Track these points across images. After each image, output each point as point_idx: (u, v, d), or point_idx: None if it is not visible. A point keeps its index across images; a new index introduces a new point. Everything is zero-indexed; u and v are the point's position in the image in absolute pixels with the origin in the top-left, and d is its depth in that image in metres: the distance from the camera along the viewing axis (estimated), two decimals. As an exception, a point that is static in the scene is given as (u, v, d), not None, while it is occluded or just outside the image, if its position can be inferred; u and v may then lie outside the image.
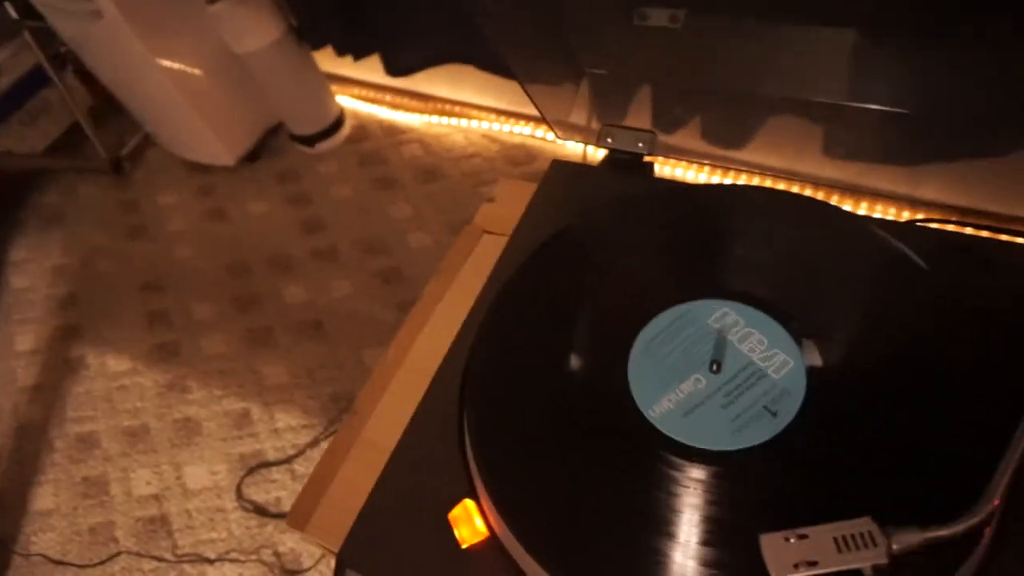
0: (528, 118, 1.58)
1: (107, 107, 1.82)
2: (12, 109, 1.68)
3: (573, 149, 1.52)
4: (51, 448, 1.33)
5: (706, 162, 0.83)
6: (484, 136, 1.61)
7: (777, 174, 0.79)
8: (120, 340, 1.47)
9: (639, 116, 0.68)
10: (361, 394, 0.60)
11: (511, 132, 1.59)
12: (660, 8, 0.63)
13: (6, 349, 1.51)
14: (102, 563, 1.18)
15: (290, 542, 1.16)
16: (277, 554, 1.16)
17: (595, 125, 0.66)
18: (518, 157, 1.55)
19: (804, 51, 0.61)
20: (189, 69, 1.50)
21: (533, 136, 1.57)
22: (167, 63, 1.46)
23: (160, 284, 1.55)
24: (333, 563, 0.50)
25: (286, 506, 1.19)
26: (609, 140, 0.62)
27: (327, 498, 0.55)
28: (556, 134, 0.63)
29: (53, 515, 1.25)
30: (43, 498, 1.27)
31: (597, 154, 0.68)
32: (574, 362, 0.50)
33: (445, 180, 1.56)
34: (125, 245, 1.64)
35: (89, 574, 1.17)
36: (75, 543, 1.21)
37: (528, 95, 0.57)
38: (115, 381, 1.40)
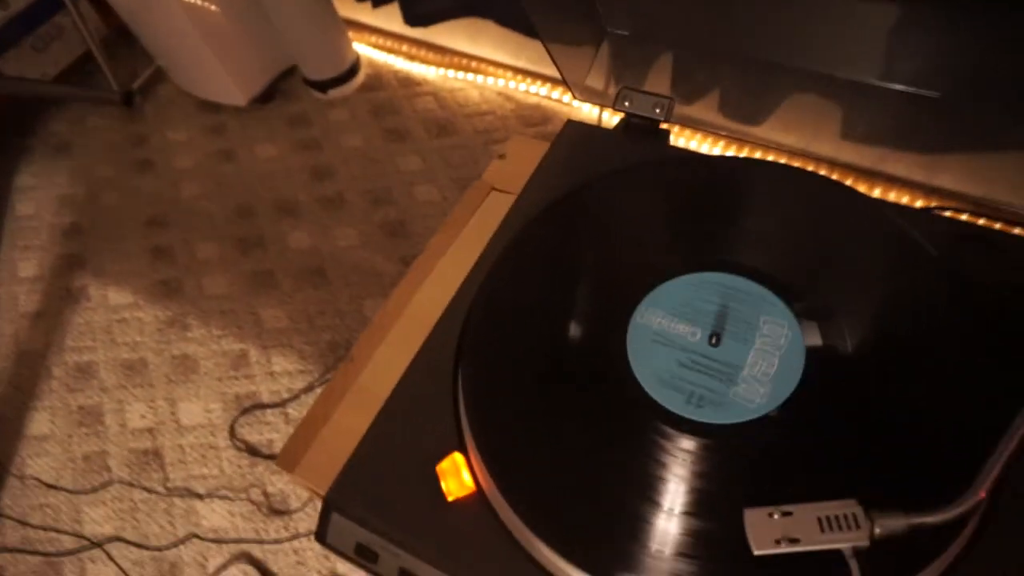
0: (545, 79, 1.55)
1: (120, 38, 1.79)
2: (24, 33, 1.66)
3: (589, 113, 1.49)
4: (49, 375, 1.34)
5: (722, 134, 0.81)
6: (499, 94, 1.59)
7: (792, 153, 0.78)
8: (122, 273, 1.47)
9: (658, 83, 0.67)
10: (358, 341, 0.60)
11: (527, 92, 1.56)
12: (690, -31, 0.61)
13: (9, 275, 1.51)
14: (94, 490, 1.20)
15: (279, 483, 1.17)
16: (266, 494, 1.17)
17: (613, 89, 0.65)
18: (532, 117, 1.53)
19: (838, 23, 0.59)
20: (204, 3, 1.47)
21: (549, 97, 1.54)
22: (183, -5, 1.43)
23: (165, 220, 1.54)
24: (320, 506, 0.51)
25: (278, 448, 1.20)
26: (626, 103, 0.61)
27: (318, 441, 0.56)
28: (573, 95, 0.62)
29: (48, 440, 1.27)
30: (39, 423, 1.29)
31: (612, 120, 0.67)
32: (573, 325, 0.50)
33: (457, 135, 1.54)
34: (132, 179, 1.63)
35: (81, 500, 1.19)
36: (69, 469, 1.23)
37: (548, 52, 0.55)
38: (116, 314, 1.41)
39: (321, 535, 0.48)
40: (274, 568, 1.10)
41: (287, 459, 0.55)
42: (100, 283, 1.46)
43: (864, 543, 0.38)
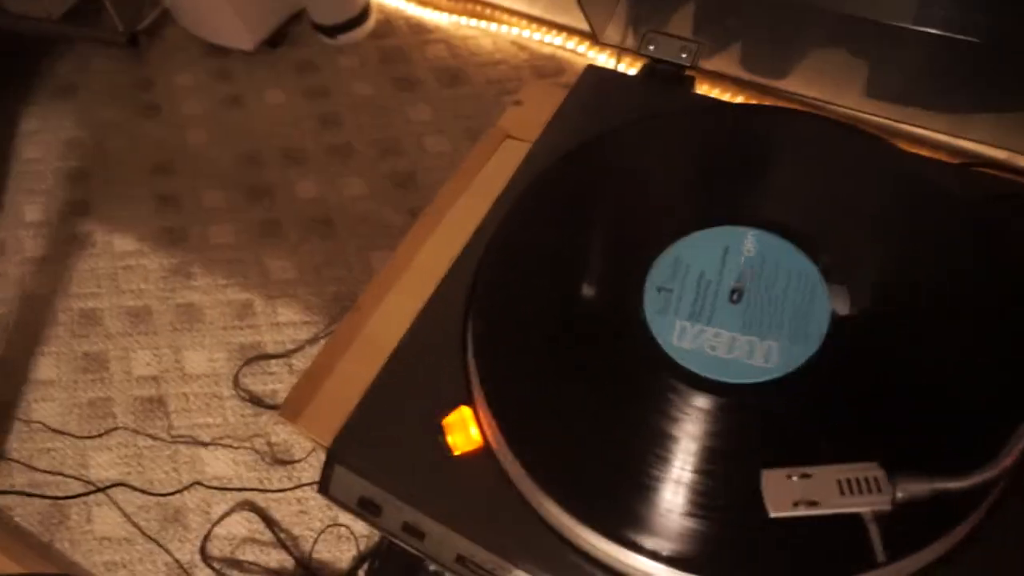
0: (560, 27, 1.50)
1: (124, -24, 1.74)
2: (26, -31, 1.61)
3: (605, 64, 1.45)
4: (55, 321, 1.34)
5: (744, 81, 0.78)
6: (513, 43, 1.54)
7: (814, 107, 0.75)
8: (128, 220, 1.45)
9: (681, 31, 0.63)
10: (366, 291, 0.58)
11: (541, 41, 1.52)
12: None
13: (14, 219, 1.49)
14: (100, 436, 1.20)
15: (283, 434, 1.17)
16: (270, 444, 1.17)
17: (636, 34, 0.62)
18: (546, 68, 1.48)
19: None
20: (211, -59, 1.42)
21: (564, 47, 1.50)
22: (188, -68, 1.38)
23: (171, 167, 1.52)
24: (324, 457, 0.50)
25: (282, 398, 1.19)
26: (651, 47, 0.58)
27: (322, 392, 0.54)
28: (596, 35, 0.59)
29: (54, 386, 1.26)
30: (45, 368, 1.29)
31: (630, 71, 0.63)
32: (588, 278, 0.48)
33: (468, 85, 1.50)
34: (138, 124, 1.60)
35: (87, 445, 1.20)
36: (74, 414, 1.23)
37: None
38: (121, 261, 1.40)
39: (324, 487, 0.46)
40: (277, 516, 1.10)
41: (290, 409, 0.54)
42: (105, 229, 1.44)
43: (886, 507, 0.36)
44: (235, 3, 1.51)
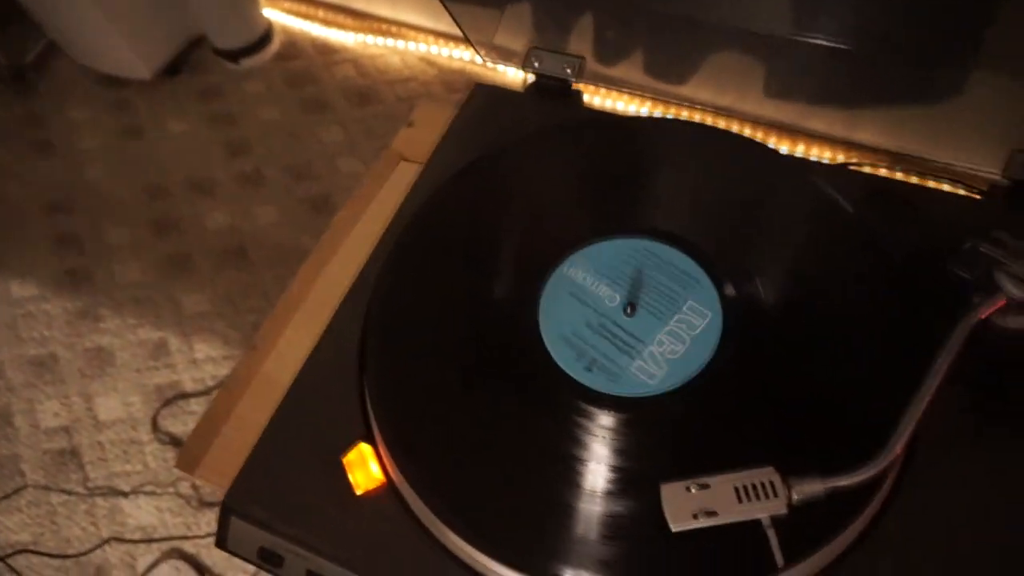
0: (469, 42, 1.51)
1: (6, 9, 1.65)
2: None
3: (514, 77, 1.45)
4: (-51, 378, 1.25)
5: (647, 94, 0.80)
6: (422, 59, 1.53)
7: (716, 111, 0.77)
8: (25, 264, 1.37)
9: (577, 42, 0.64)
10: (262, 328, 0.56)
11: (450, 56, 1.51)
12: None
13: None
14: (7, 497, 1.13)
15: (209, 476, 1.13)
16: (195, 487, 1.13)
17: (522, 48, 0.62)
18: (456, 83, 1.48)
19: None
20: (96, -32, 1.36)
21: (472, 62, 1.50)
22: (70, -40, 1.32)
23: (69, 206, 1.44)
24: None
25: (204, 440, 1.15)
26: (536, 64, 0.58)
27: (221, 438, 0.52)
28: (480, 55, 0.58)
29: (-47, 447, 1.18)
30: (-59, 429, 1.20)
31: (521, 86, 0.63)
32: (482, 301, 0.47)
33: (379, 104, 1.49)
34: (30, 163, 1.52)
35: (-7, 508, 1.12)
36: (-23, 477, 1.15)
37: (447, 9, 0.52)
38: (20, 307, 1.32)
39: (221, 541, 0.44)
40: (208, 562, 1.06)
41: (187, 459, 0.51)
42: (1, 276, 1.36)
43: (782, 511, 0.37)
44: (125, 31, 1.45)
